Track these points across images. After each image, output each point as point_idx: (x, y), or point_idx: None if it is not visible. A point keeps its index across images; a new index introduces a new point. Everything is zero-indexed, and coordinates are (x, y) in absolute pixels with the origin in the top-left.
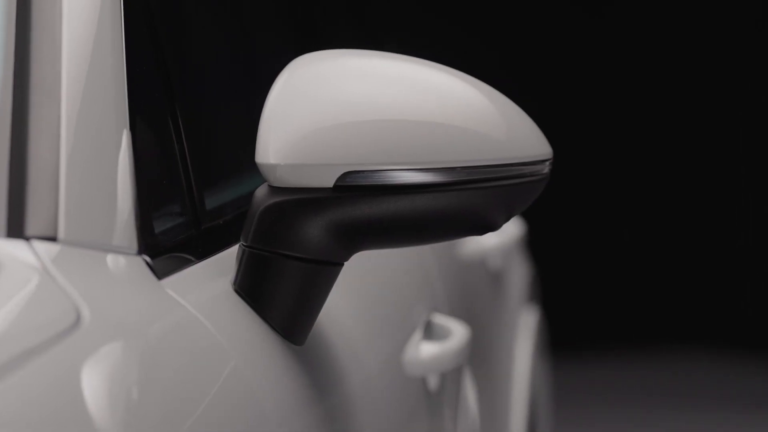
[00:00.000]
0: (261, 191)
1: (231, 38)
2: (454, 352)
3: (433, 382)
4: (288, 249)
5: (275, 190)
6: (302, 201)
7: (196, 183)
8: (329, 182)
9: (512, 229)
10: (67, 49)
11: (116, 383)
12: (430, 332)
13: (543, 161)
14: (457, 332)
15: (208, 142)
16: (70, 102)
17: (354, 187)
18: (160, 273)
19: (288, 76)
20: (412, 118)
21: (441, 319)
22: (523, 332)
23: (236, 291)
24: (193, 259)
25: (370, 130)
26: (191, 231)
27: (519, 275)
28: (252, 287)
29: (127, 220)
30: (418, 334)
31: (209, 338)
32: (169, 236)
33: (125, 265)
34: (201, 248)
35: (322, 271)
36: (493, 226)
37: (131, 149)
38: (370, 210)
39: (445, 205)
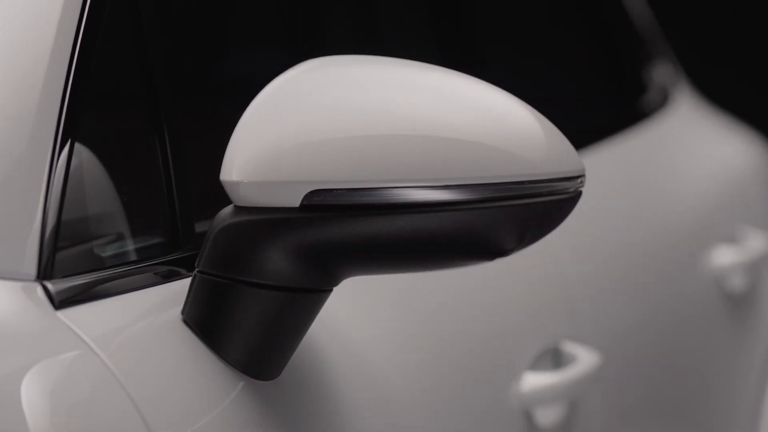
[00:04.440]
0: (224, 212)
1: (227, 41)
2: (565, 384)
3: (544, 415)
4: (245, 275)
5: (238, 210)
6: (262, 222)
7: (170, 202)
8: (295, 201)
9: (764, 240)
10: None
11: None
12: (558, 360)
13: (567, 179)
14: (582, 362)
15: (174, 157)
16: None
17: (322, 207)
18: (69, 300)
19: (271, 88)
20: (392, 131)
21: (571, 347)
22: None
23: (185, 321)
24: (146, 285)
25: (339, 146)
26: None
27: None
28: (203, 318)
29: (23, 241)
30: (524, 363)
31: (100, 375)
32: (105, 261)
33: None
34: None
35: (297, 300)
36: (500, 252)
37: (57, 166)
38: (341, 232)
39: (433, 229)
